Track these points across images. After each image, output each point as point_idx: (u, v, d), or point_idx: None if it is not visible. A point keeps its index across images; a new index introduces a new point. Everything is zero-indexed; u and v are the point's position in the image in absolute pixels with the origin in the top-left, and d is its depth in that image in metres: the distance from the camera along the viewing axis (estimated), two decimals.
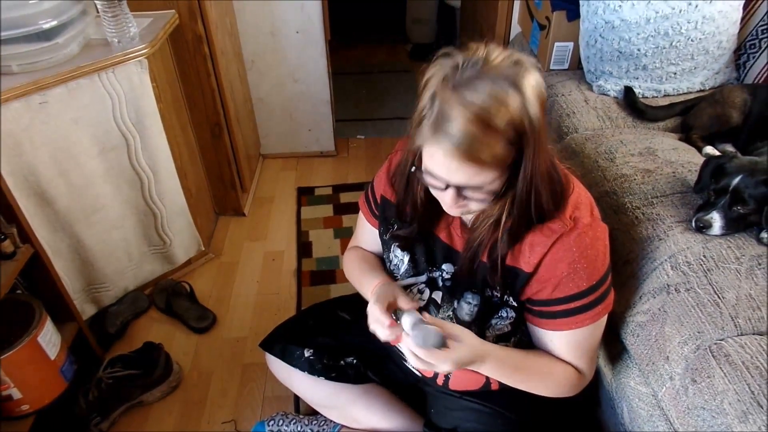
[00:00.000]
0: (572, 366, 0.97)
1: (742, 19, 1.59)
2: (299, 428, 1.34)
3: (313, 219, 2.25)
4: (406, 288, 1.05)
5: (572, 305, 0.91)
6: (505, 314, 0.97)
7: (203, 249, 2.00)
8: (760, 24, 1.57)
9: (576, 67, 1.78)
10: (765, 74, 1.55)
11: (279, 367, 1.33)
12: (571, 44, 1.76)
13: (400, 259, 1.07)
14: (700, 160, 1.24)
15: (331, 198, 2.37)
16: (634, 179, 1.25)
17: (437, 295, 1.03)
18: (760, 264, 0.99)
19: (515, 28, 2.24)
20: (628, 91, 1.58)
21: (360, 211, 1.19)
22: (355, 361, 1.24)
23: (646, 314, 1.06)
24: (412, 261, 1.05)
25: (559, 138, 1.58)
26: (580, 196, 0.92)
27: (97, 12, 1.45)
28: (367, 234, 1.18)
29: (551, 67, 1.81)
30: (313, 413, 1.38)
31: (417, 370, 1.14)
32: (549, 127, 1.65)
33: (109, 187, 1.60)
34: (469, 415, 1.09)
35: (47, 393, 1.37)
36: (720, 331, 0.93)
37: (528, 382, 0.98)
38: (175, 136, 1.75)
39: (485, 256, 0.93)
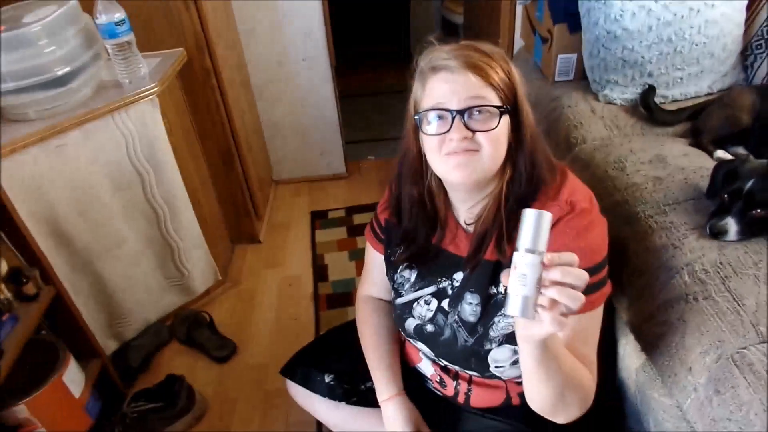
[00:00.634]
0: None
1: (746, 20, 1.58)
2: None
3: (328, 242, 2.26)
4: (413, 301, 1.05)
5: None
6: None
7: (220, 278, 2.02)
8: (765, 24, 1.56)
9: (581, 77, 1.78)
10: None
11: (300, 393, 1.33)
12: (574, 56, 1.76)
13: (407, 278, 1.07)
14: (712, 164, 1.22)
15: (345, 220, 2.39)
16: (646, 187, 1.24)
17: (445, 303, 1.02)
18: None
19: (518, 42, 2.26)
20: (649, 90, 1.55)
21: (367, 244, 1.19)
22: (374, 385, 1.24)
23: (665, 324, 1.04)
24: (420, 276, 1.05)
25: (567, 149, 1.58)
26: (576, 185, 0.93)
27: (108, 55, 1.50)
28: (376, 270, 1.17)
29: (556, 79, 1.81)
30: None
31: (439, 391, 1.14)
32: (557, 138, 1.65)
33: (126, 223, 1.64)
34: None
35: (73, 431, 1.39)
36: (741, 339, 0.91)
37: (570, 376, 0.83)
38: (188, 169, 1.79)
39: (490, 252, 0.93)
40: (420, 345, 1.08)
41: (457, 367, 1.05)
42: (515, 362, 0.96)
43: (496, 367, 0.98)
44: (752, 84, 1.60)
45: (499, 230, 0.91)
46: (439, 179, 0.97)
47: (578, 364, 0.84)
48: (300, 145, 2.59)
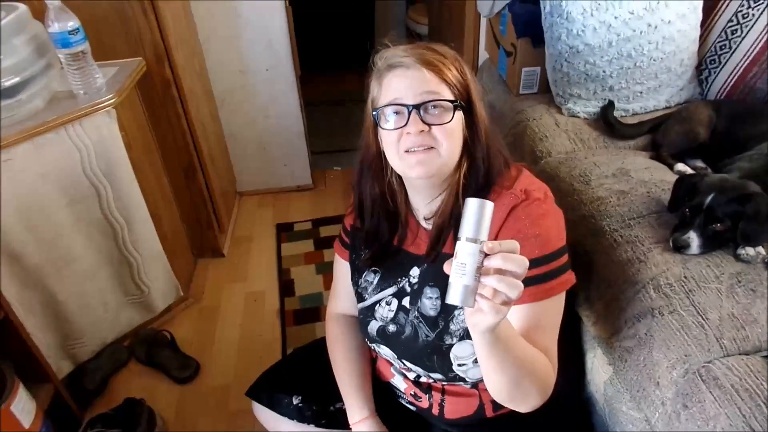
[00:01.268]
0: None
1: (701, 36, 1.63)
2: None
3: (294, 255, 2.22)
4: (375, 304, 1.05)
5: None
6: None
7: (182, 294, 1.96)
8: (717, 40, 1.62)
9: (545, 90, 1.80)
10: (727, 88, 1.59)
11: (266, 416, 1.29)
12: (538, 69, 1.79)
13: (370, 281, 1.08)
14: (673, 178, 1.25)
15: (311, 233, 2.35)
16: (610, 201, 1.26)
17: (406, 301, 1.02)
18: (739, 281, 1.00)
19: (483, 55, 2.28)
20: (608, 105, 1.59)
21: (335, 256, 1.18)
22: (344, 406, 1.21)
23: (633, 339, 1.06)
24: (381, 278, 1.06)
25: (533, 162, 1.59)
26: (532, 180, 0.97)
27: (62, 65, 1.43)
28: (343, 282, 1.16)
29: (521, 92, 1.84)
30: None
31: (414, 404, 1.12)
32: (522, 151, 1.66)
33: (80, 238, 1.56)
34: None
35: None
36: (706, 353, 0.92)
37: (525, 364, 0.83)
38: (148, 182, 1.73)
39: (449, 245, 0.94)
40: (383, 349, 1.07)
41: (421, 370, 1.03)
42: (477, 360, 0.94)
43: (459, 365, 0.97)
44: (707, 98, 1.66)
45: (457, 222, 0.91)
46: (400, 177, 0.98)
47: (534, 352, 0.83)
48: (264, 155, 2.55)
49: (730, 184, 1.08)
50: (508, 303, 0.65)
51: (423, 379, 1.07)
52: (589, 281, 1.21)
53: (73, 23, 1.37)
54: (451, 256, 0.71)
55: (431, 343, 0.97)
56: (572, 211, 1.31)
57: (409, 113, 0.85)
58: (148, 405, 1.52)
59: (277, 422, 1.25)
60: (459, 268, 0.64)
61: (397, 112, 0.87)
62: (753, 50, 1.52)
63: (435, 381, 1.05)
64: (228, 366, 1.76)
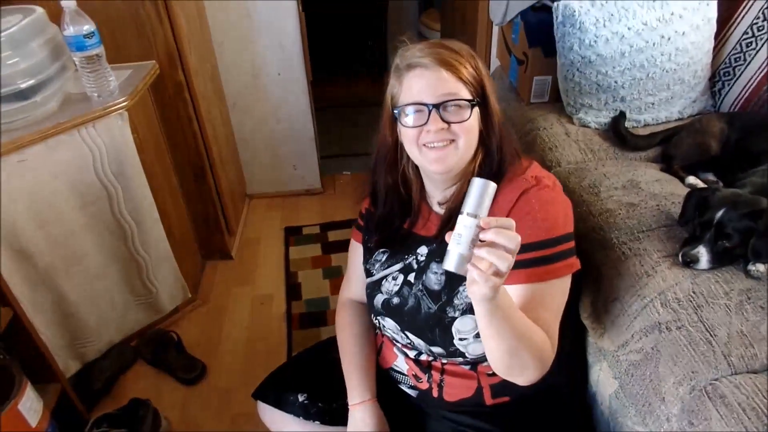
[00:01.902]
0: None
1: (714, 47, 1.62)
2: None
3: (302, 259, 2.23)
4: (382, 279, 1.09)
5: (532, 255, 0.92)
6: None
7: (190, 296, 1.97)
8: (732, 52, 1.60)
9: (556, 99, 1.79)
10: (741, 101, 1.57)
11: (271, 416, 1.29)
12: (549, 78, 1.78)
13: (378, 259, 1.12)
14: (683, 191, 1.24)
15: (319, 237, 2.36)
16: (619, 214, 1.25)
17: (411, 276, 1.06)
18: (749, 298, 0.99)
19: (494, 62, 2.28)
20: (620, 116, 1.58)
21: (351, 242, 1.23)
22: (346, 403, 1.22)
23: (639, 353, 1.05)
24: (390, 256, 1.10)
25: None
26: (542, 170, 1.02)
27: (76, 67, 1.45)
28: (356, 265, 1.20)
29: (531, 101, 1.83)
30: None
31: (415, 387, 1.12)
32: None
33: (91, 239, 1.58)
34: None
35: None
36: (714, 370, 0.91)
37: (522, 335, 0.85)
38: (159, 184, 1.74)
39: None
40: (388, 322, 1.10)
41: (422, 344, 1.05)
42: (478, 335, 0.96)
43: (460, 339, 0.99)
44: (720, 110, 1.64)
45: None
46: (416, 168, 1.05)
47: (533, 326, 0.87)
48: (274, 159, 2.56)
49: (741, 200, 1.07)
50: (499, 274, 0.71)
51: (423, 357, 1.09)
52: (597, 293, 1.20)
53: (88, 27, 1.39)
54: None
55: (434, 315, 1.01)
56: (581, 223, 1.30)
57: (429, 112, 0.91)
58: (154, 405, 1.53)
59: (283, 422, 1.26)
60: (457, 238, 0.72)
61: (418, 111, 0.93)
62: None
63: (435, 358, 1.07)
64: (233, 368, 1.76)
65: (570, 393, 1.18)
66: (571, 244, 0.96)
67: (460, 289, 0.99)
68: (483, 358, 1.01)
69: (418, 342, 1.06)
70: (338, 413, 1.21)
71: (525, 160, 1.03)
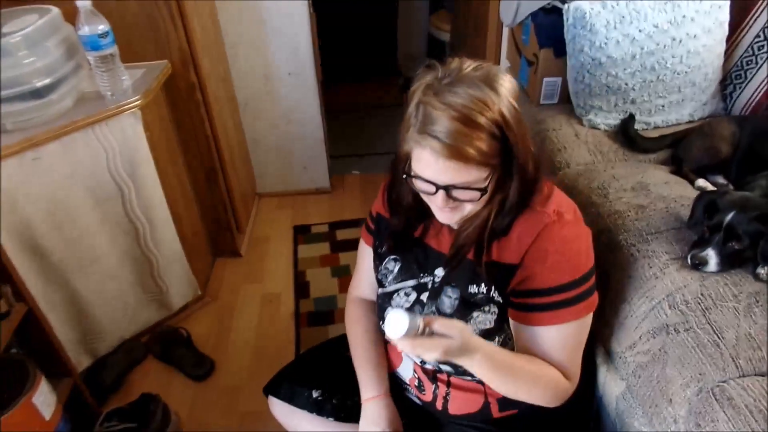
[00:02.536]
0: (559, 370, 0.95)
1: (726, 51, 1.61)
2: None
3: (310, 258, 2.24)
4: (394, 292, 1.08)
5: (554, 298, 0.91)
6: (488, 308, 0.97)
7: (200, 293, 1.99)
8: (743, 56, 1.60)
9: (566, 101, 1.79)
10: (752, 104, 1.57)
11: (283, 411, 1.29)
12: (559, 79, 1.78)
13: (390, 269, 1.10)
14: (692, 194, 1.24)
15: (328, 235, 2.37)
16: (628, 215, 1.25)
17: (424, 296, 1.05)
18: (758, 301, 0.99)
19: (504, 63, 2.28)
20: (629, 118, 1.58)
21: (360, 242, 1.22)
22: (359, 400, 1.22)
23: (647, 354, 1.05)
24: (402, 269, 1.08)
25: (552, 173, 1.59)
26: (562, 198, 0.98)
27: (90, 66, 1.47)
28: (365, 266, 1.19)
29: (541, 102, 1.83)
30: None
31: (418, 397, 1.13)
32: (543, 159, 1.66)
33: (104, 237, 1.60)
34: None
35: None
36: (721, 372, 0.91)
37: (517, 382, 0.93)
38: (170, 183, 1.76)
39: (472, 253, 0.97)
40: None
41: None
42: None
43: None
44: (731, 113, 1.64)
45: (479, 244, 0.96)
46: None
47: (538, 371, 0.92)
48: (284, 159, 2.58)
49: (751, 203, 1.07)
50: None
51: (429, 366, 1.08)
52: (605, 294, 1.20)
53: (103, 27, 1.41)
54: (473, 263, 0.90)
55: None
56: (589, 224, 1.30)
57: (437, 189, 0.87)
58: (163, 401, 1.54)
59: (294, 417, 1.26)
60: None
61: (426, 182, 0.88)
62: None
63: (441, 371, 1.06)
64: (242, 365, 1.78)
65: (578, 398, 1.17)
66: (592, 280, 0.95)
67: (474, 314, 0.98)
68: None
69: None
70: (352, 410, 1.21)
71: (546, 185, 0.97)
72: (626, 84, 1.59)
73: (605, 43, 1.54)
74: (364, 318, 1.20)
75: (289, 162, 2.59)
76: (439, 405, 1.10)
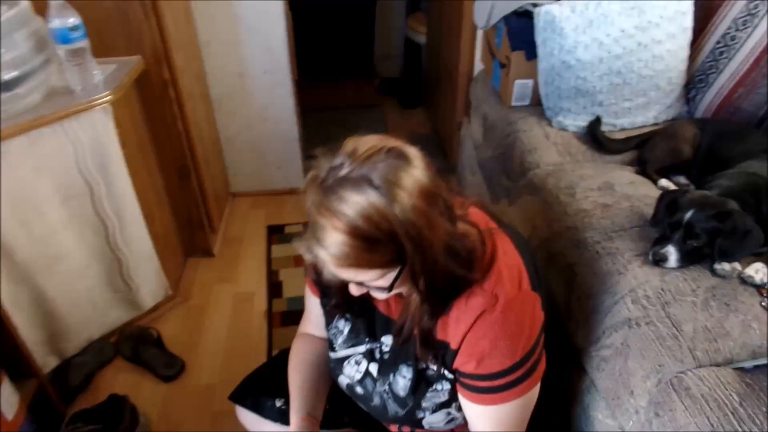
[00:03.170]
0: None
1: (690, 56, 1.67)
2: None
3: (284, 257, 2.24)
4: (344, 359, 1.05)
5: (496, 383, 0.88)
6: (440, 387, 0.95)
7: (171, 293, 1.97)
8: (706, 61, 1.65)
9: (537, 102, 1.83)
10: (714, 108, 1.62)
11: (249, 419, 1.29)
12: (531, 81, 1.82)
13: (340, 330, 1.06)
14: (656, 193, 1.28)
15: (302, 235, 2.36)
16: (594, 214, 1.29)
17: (373, 367, 1.02)
18: (714, 295, 1.03)
19: (478, 65, 2.31)
20: (596, 121, 1.63)
21: (306, 287, 1.16)
22: (327, 407, 1.22)
23: (610, 348, 1.08)
24: (352, 332, 1.05)
25: (522, 174, 1.62)
26: (503, 266, 0.87)
27: (61, 60, 1.45)
28: (313, 311, 1.15)
29: (513, 104, 1.87)
30: None
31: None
32: (512, 162, 1.69)
33: (72, 235, 1.57)
34: None
35: None
36: (679, 363, 0.95)
37: None
38: (141, 181, 1.74)
39: (417, 329, 0.92)
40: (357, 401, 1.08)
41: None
42: (451, 420, 0.97)
43: (431, 427, 0.99)
44: (694, 116, 1.69)
45: (422, 316, 0.89)
46: None
47: None
48: (258, 158, 2.56)
49: (709, 201, 1.11)
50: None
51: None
52: (571, 291, 1.23)
53: (73, 20, 1.39)
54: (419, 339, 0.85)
55: (402, 417, 0.98)
56: (557, 222, 1.34)
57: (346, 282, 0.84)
58: (132, 402, 1.52)
59: (260, 425, 1.26)
60: None
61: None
62: (739, 71, 1.55)
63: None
64: (214, 366, 1.76)
65: (545, 398, 1.17)
66: (537, 353, 0.89)
67: (428, 394, 0.95)
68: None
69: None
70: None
71: (488, 239, 0.88)
72: (594, 87, 1.63)
73: (574, 47, 1.58)
74: (304, 350, 1.16)
75: (263, 161, 2.57)
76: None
